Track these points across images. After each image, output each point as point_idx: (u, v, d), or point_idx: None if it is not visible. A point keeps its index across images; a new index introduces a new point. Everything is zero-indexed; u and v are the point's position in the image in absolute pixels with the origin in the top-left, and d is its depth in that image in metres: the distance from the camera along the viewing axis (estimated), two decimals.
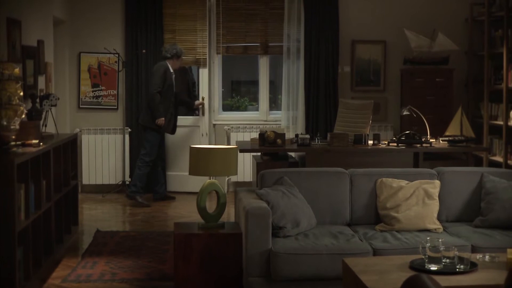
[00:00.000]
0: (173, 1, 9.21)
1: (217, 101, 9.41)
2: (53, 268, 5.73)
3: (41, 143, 5.44)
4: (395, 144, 7.00)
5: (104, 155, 9.16)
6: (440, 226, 5.22)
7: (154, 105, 8.29)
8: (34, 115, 6.02)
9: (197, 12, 9.22)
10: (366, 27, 9.32)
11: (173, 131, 8.65)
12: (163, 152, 8.79)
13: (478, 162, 8.98)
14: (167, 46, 8.60)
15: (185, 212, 8.03)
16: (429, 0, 9.34)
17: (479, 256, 4.26)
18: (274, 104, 10.74)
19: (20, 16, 6.38)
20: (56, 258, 5.92)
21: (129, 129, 9.14)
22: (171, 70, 8.46)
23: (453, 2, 9.35)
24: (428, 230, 5.17)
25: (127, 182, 9.02)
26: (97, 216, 7.84)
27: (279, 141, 6.94)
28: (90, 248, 6.41)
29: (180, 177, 9.13)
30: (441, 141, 7.20)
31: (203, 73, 9.36)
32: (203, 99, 9.16)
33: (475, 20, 9.18)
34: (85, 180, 9.12)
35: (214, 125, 9.34)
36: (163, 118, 8.33)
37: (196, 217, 5.81)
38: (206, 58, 9.23)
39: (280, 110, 9.40)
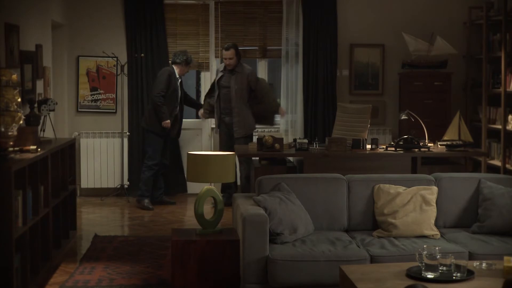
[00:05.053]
0: (174, 5, 9.21)
1: None
2: (50, 274, 5.73)
3: (38, 149, 5.44)
4: (393, 149, 7.00)
5: (102, 159, 9.15)
6: (438, 232, 5.23)
7: (158, 108, 8.31)
8: (32, 120, 6.01)
9: (199, 17, 9.24)
10: (365, 31, 9.32)
11: (177, 135, 8.68)
12: (167, 157, 8.75)
13: (476, 166, 8.99)
14: (177, 52, 8.59)
15: (184, 217, 8.03)
16: (427, 4, 9.35)
17: (476, 263, 4.27)
18: None
19: (18, 21, 6.37)
20: (54, 264, 5.92)
21: (127, 133, 9.13)
22: (177, 76, 8.45)
23: (451, 6, 9.35)
24: (426, 236, 5.18)
25: (126, 186, 9.04)
26: (95, 220, 7.84)
27: (277, 145, 6.95)
28: (88, 253, 6.41)
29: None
30: (439, 146, 7.20)
31: (205, 77, 9.43)
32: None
33: (473, 24, 9.18)
34: (84, 184, 9.12)
35: (212, 128, 9.32)
36: (168, 121, 8.35)
37: (195, 222, 5.81)
38: (208, 62, 9.27)
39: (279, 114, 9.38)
